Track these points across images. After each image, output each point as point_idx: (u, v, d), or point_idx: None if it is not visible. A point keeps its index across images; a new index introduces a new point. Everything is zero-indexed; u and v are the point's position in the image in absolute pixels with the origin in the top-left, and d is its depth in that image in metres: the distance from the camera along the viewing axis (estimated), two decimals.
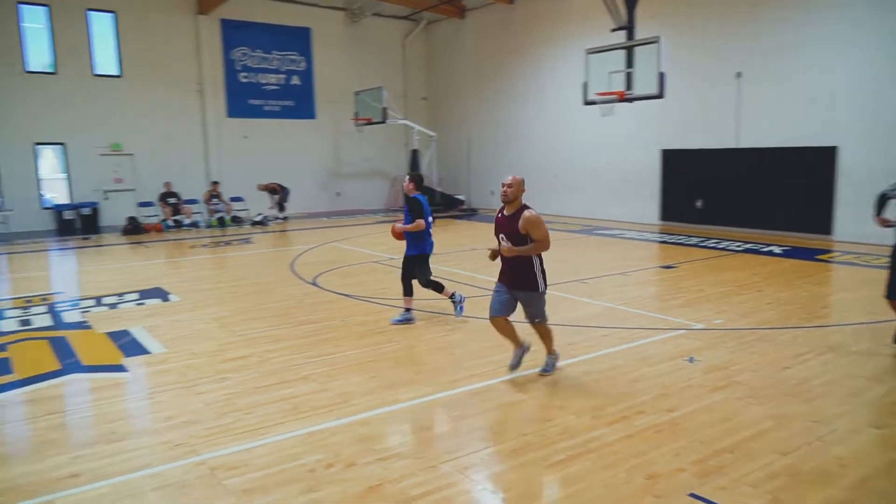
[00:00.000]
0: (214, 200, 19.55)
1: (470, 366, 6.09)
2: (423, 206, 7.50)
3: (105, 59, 19.17)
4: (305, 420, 4.90)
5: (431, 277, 7.64)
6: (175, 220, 18.71)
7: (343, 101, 22.51)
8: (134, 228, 17.76)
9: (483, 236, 15.85)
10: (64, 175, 19.08)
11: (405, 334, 7.21)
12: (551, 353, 5.81)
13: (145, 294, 9.57)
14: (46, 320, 8.11)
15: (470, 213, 21.69)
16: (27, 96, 17.88)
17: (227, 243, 15.75)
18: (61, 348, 6.83)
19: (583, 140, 19.30)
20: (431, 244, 7.64)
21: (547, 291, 5.54)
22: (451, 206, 22.49)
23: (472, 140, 23.37)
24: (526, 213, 5.34)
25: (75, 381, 5.90)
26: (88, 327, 7.71)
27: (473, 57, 22.89)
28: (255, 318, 8.04)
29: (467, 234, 16.84)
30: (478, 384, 5.61)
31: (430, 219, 7.62)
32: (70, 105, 18.48)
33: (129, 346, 6.92)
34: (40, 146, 18.59)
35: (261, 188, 20.33)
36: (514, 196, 5.41)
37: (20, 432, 4.87)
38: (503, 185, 5.41)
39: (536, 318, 5.57)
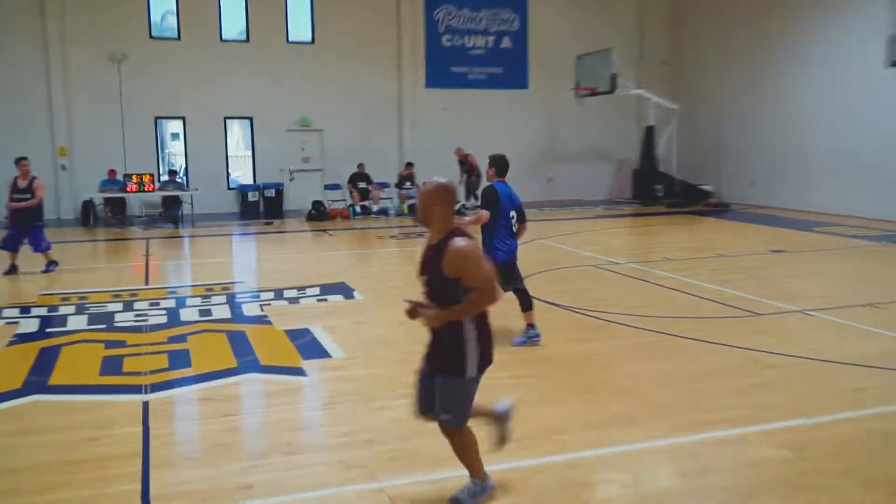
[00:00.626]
0: (407, 185, 20.57)
1: (711, 407, 5.74)
2: (500, 197, 7.15)
3: (299, 25, 21.03)
4: (503, 452, 4.92)
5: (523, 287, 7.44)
6: (363, 207, 20.00)
7: (562, 66, 22.47)
8: (318, 214, 19.30)
9: (734, 241, 14.95)
10: (249, 152, 21.28)
11: (625, 360, 6.99)
12: (475, 477, 4.30)
13: (327, 289, 10.31)
14: (226, 312, 9.07)
15: (720, 210, 20.58)
16: (220, 66, 20.18)
17: (419, 235, 16.49)
18: (239, 344, 7.58)
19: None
20: (508, 251, 7.25)
21: (480, 379, 4.13)
22: (694, 200, 21.52)
23: (725, 116, 22.12)
24: (454, 243, 3.95)
25: (251, 382, 6.51)
26: (268, 323, 8.47)
27: (739, 9, 21.54)
28: None
29: (713, 235, 16.00)
30: (722, 432, 5.26)
31: (513, 216, 7.25)
32: (260, 76, 20.55)
33: (308, 347, 7.48)
34: (230, 120, 20.91)
35: (460, 156, 20.50)
36: (426, 215, 4.13)
37: (195, 433, 5.47)
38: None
39: (446, 417, 4.15)
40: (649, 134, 22.34)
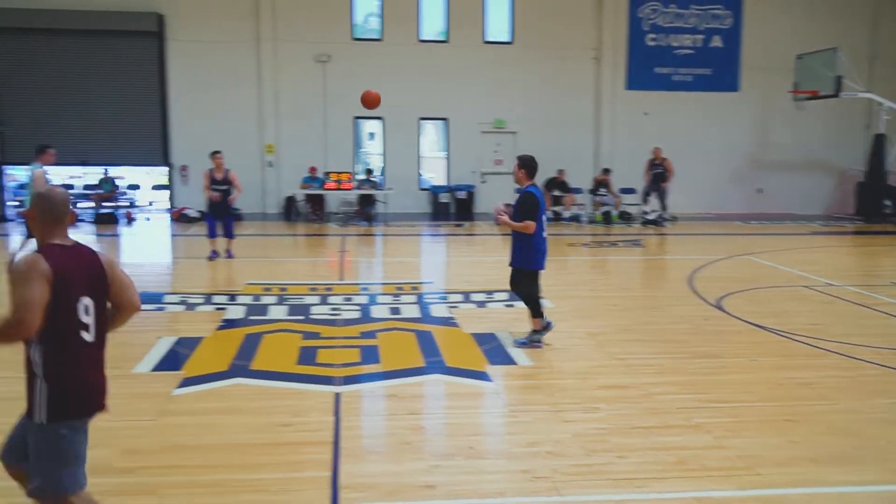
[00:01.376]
0: (602, 191, 20.33)
1: None
2: (539, 202, 7.27)
3: (497, 25, 21.41)
4: (694, 481, 4.77)
5: (539, 296, 7.68)
6: (554, 212, 20.01)
7: (778, 67, 21.29)
8: None
9: None
10: (444, 154, 21.91)
11: (839, 392, 6.52)
12: None
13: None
14: (415, 311, 9.42)
15: None
16: (418, 67, 20.96)
17: (612, 244, 16.25)
18: (427, 344, 7.85)
19: None
20: (543, 256, 7.58)
21: (76, 434, 3.53)
22: None
23: None
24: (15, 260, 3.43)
25: (437, 383, 6.72)
26: (455, 325, 8.71)
27: None
28: (638, 341, 8.13)
29: None
30: None
31: (545, 219, 7.44)
32: (457, 76, 21.10)
33: (495, 352, 7.61)
34: (424, 121, 21.66)
35: (657, 157, 19.70)
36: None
37: (382, 428, 5.74)
38: None
39: (31, 483, 3.49)
40: (879, 143, 20.62)
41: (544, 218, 7.61)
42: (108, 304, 3.67)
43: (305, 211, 20.04)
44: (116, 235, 17.40)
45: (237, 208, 13.40)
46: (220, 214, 13.39)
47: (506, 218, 7.70)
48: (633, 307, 9.92)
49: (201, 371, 6.88)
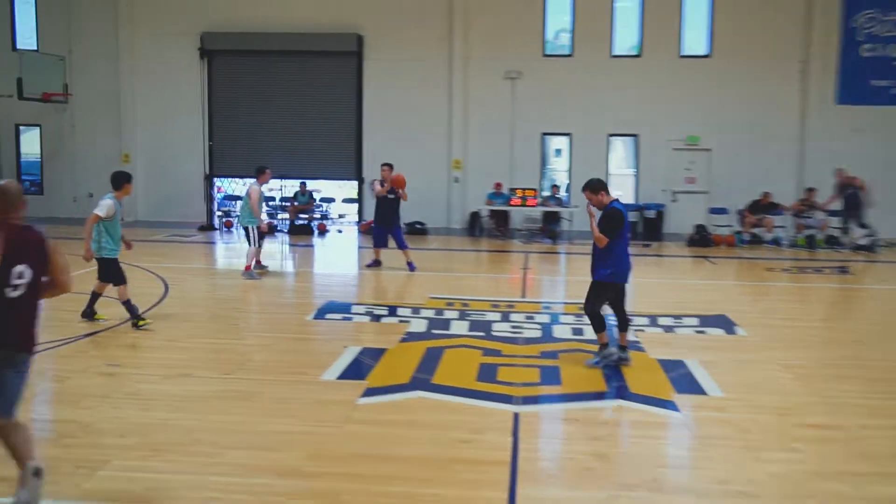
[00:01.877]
0: (807, 213, 19.05)
1: None
2: (624, 217, 7.51)
3: (694, 38, 20.70)
4: None
5: (599, 311, 7.61)
6: (752, 235, 18.98)
7: None
8: (701, 239, 18.73)
9: None
10: (632, 171, 21.43)
11: None
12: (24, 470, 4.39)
13: (707, 321, 9.96)
14: None
15: None
16: (609, 83, 20.66)
17: (817, 270, 15.19)
18: (610, 368, 7.65)
19: None
20: (621, 271, 7.65)
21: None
22: None
23: None
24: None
25: (621, 409, 6.52)
26: (640, 349, 8.44)
27: None
28: (846, 377, 7.51)
29: None
30: None
31: (629, 235, 7.58)
32: (649, 91, 20.59)
33: (682, 380, 7.29)
34: (613, 137, 21.29)
35: (843, 179, 18.24)
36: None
37: (561, 452, 5.63)
38: None
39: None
40: None
41: (628, 235, 7.76)
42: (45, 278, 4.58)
43: (489, 227, 20.25)
44: (310, 246, 18.38)
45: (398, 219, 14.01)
46: (387, 224, 13.84)
47: (593, 224, 7.82)
48: (836, 340, 9.21)
49: (384, 382, 7.08)
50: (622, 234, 7.64)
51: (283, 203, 21.89)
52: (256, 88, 21.59)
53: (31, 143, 22.75)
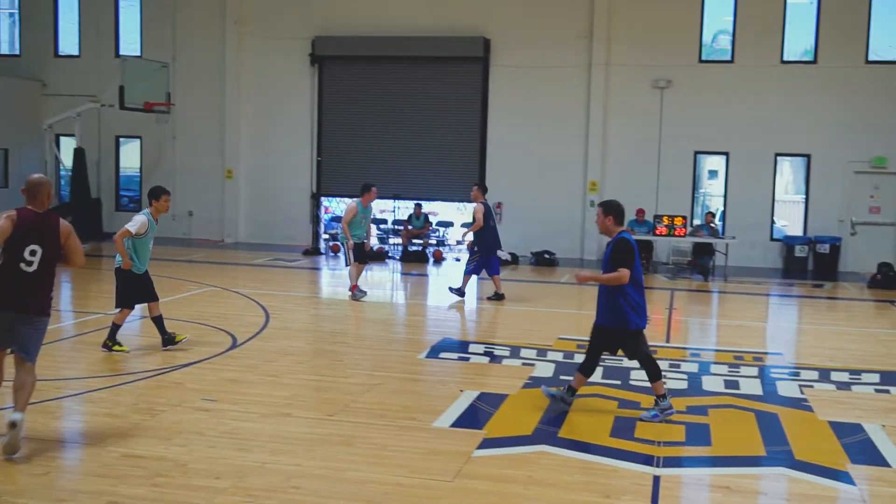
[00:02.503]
0: None
1: None
2: (634, 248, 7.42)
3: (884, 39, 19.92)
4: None
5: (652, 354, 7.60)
6: None
7: None
8: (886, 280, 17.91)
9: None
10: (801, 198, 20.75)
11: None
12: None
13: (891, 378, 9.53)
14: (756, 387, 8.97)
15: None
16: (777, 93, 20.13)
17: None
18: (770, 429, 7.43)
19: None
20: (643, 313, 7.56)
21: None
22: None
23: None
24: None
25: (780, 478, 6.32)
26: (808, 409, 8.16)
27: None
28: None
29: None
30: None
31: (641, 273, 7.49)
32: (826, 104, 19.93)
33: (860, 448, 6.99)
34: (781, 157, 20.70)
35: None
36: None
37: None
38: None
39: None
40: None
41: (640, 269, 7.71)
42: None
43: None
44: (424, 275, 18.68)
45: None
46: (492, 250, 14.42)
47: (587, 273, 7.98)
48: None
49: (504, 432, 7.12)
50: (637, 267, 7.60)
51: (396, 227, 22.34)
52: (369, 98, 22.25)
53: (130, 157, 24.21)
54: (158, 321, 9.72)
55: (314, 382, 8.81)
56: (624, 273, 7.40)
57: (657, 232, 19.31)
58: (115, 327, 9.65)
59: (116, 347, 9.58)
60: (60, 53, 24.25)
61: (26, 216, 6.24)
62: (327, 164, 22.67)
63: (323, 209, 23.28)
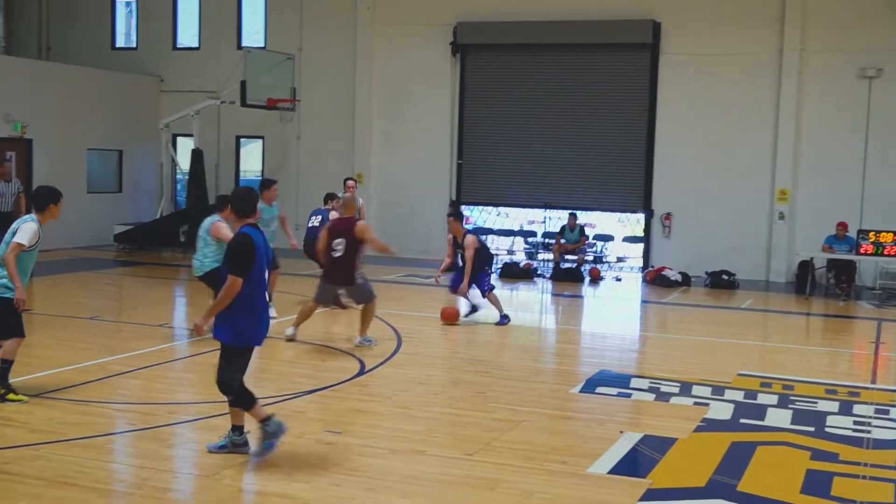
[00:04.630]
0: None
1: None
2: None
3: None
4: None
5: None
6: None
7: None
8: None
9: None
10: None
11: None
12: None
13: None
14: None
15: None
16: None
17: None
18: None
19: None
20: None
21: None
22: None
23: None
24: None
25: None
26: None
27: None
28: None
29: None
30: None
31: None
32: None
33: None
34: None
35: None
36: None
37: None
38: None
39: None
40: None
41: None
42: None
43: (826, 282, 19.32)
44: (579, 297, 18.56)
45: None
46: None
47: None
48: None
49: (672, 482, 7.00)
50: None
51: (547, 240, 22.29)
52: (518, 92, 22.32)
53: (251, 158, 25.07)
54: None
55: (451, 416, 8.88)
56: (231, 281, 6.92)
57: (861, 250, 18.56)
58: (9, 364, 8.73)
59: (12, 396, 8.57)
60: (179, 46, 25.41)
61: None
62: (469, 167, 22.84)
63: (464, 219, 23.37)
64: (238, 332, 6.99)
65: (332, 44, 23.46)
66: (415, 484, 6.77)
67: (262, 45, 24.00)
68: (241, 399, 7.09)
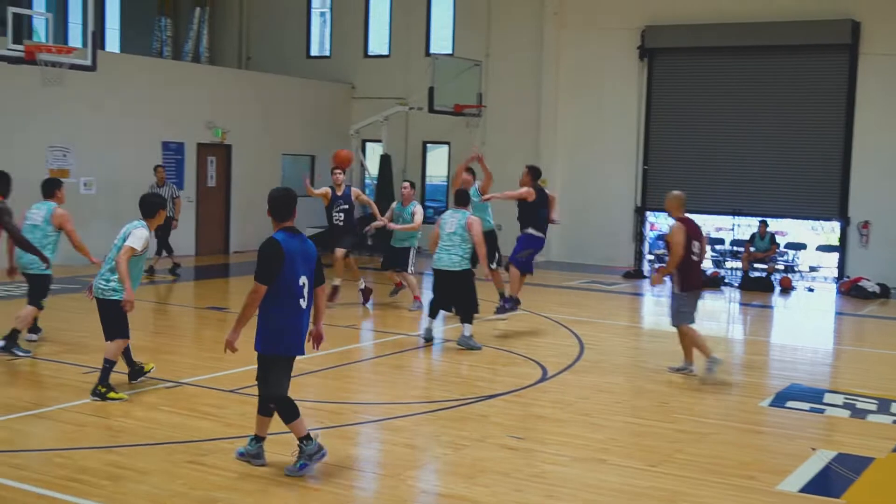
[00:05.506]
0: None
1: None
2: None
3: None
4: None
5: None
6: None
7: None
8: None
9: None
10: None
11: None
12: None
13: None
14: None
15: None
16: None
17: None
18: None
19: None
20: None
21: None
22: None
23: None
24: None
25: None
26: None
27: None
28: None
29: None
30: None
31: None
32: None
33: None
34: None
35: None
36: None
37: None
38: None
39: None
40: None
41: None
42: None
43: None
44: (769, 307, 17.94)
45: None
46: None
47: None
48: None
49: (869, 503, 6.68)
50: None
51: (735, 248, 21.66)
52: (707, 96, 21.79)
53: (437, 164, 25.41)
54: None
55: (633, 426, 8.74)
56: (254, 287, 6.71)
57: None
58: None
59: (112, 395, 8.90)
60: (370, 54, 26.04)
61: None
62: (654, 173, 22.44)
63: (648, 226, 23.02)
64: (273, 340, 6.76)
65: (517, 50, 23.50)
66: (596, 493, 6.69)
67: (449, 52, 24.29)
68: (282, 409, 6.81)
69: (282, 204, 6.87)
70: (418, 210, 14.62)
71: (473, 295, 11.86)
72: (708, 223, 22.15)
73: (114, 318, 8.95)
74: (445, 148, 25.00)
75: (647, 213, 22.77)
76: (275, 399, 6.80)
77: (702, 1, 21.49)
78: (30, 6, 19.08)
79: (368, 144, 25.08)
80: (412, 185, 15.10)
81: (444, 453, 7.57)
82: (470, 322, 11.72)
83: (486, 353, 11.50)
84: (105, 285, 8.86)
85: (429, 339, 11.98)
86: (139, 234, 8.80)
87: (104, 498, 6.21)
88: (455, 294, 11.89)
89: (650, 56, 22.23)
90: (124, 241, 8.76)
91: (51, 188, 10.87)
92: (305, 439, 6.72)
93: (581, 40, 22.85)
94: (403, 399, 9.42)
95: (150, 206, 9.11)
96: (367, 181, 25.08)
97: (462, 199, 12.14)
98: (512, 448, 7.70)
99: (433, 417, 8.73)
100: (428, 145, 25.32)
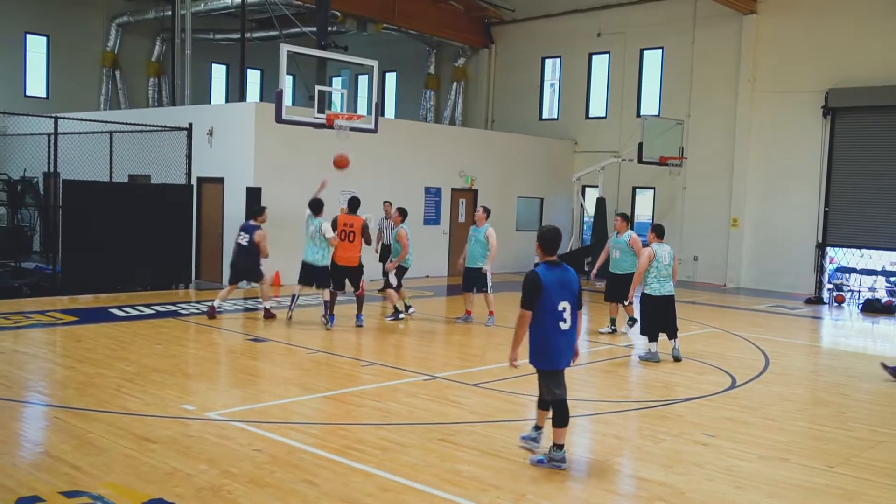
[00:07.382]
0: None
1: None
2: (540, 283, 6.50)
3: None
4: None
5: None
6: None
7: None
8: None
9: None
10: None
11: None
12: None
13: None
14: None
15: None
16: None
17: None
18: None
19: None
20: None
21: None
22: None
23: None
24: None
25: None
26: None
27: None
28: None
29: None
30: None
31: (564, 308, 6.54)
32: None
33: None
34: None
35: None
36: None
37: None
38: None
39: None
40: None
41: (562, 305, 6.55)
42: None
43: None
44: None
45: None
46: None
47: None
48: None
49: None
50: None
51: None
52: (882, 149, 20.19)
53: (643, 205, 24.90)
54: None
55: (813, 431, 8.17)
56: (521, 313, 6.53)
57: None
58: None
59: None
60: (590, 116, 25.89)
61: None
62: (834, 213, 21.02)
63: (828, 259, 21.58)
64: (538, 356, 6.61)
65: (715, 110, 22.68)
66: (780, 487, 6.31)
67: (656, 113, 23.78)
68: (556, 412, 6.61)
69: (549, 240, 6.66)
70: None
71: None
72: (884, 258, 20.58)
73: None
74: (651, 192, 24.45)
75: (828, 248, 21.37)
76: (552, 403, 6.67)
77: (880, 65, 19.97)
78: (329, 83, 20.07)
79: (587, 189, 24.84)
80: (624, 218, 14.14)
81: (645, 444, 7.36)
82: (676, 338, 11.38)
83: (685, 363, 11.10)
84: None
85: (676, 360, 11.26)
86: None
87: (375, 464, 6.44)
88: (670, 316, 11.41)
89: (832, 114, 20.83)
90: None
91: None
92: (558, 447, 6.55)
93: (771, 101, 21.75)
94: (612, 398, 9.24)
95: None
96: (586, 219, 24.93)
97: (661, 233, 11.68)
98: (704, 444, 7.39)
99: (638, 415, 8.52)
100: (637, 189, 24.83)
